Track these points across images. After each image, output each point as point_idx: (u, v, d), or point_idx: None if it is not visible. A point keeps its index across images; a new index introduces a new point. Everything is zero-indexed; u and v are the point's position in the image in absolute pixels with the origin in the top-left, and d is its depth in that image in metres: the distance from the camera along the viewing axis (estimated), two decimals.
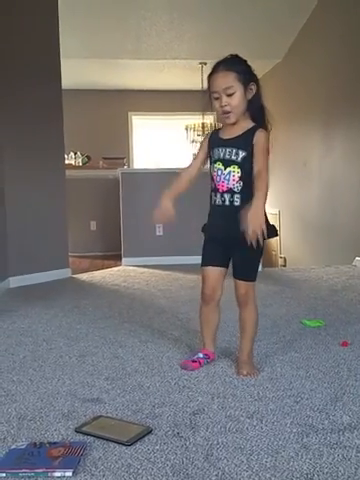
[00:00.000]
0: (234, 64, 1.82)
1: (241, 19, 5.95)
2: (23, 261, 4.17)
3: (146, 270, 4.85)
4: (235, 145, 1.85)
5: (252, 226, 1.69)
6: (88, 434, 1.44)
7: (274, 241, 7.34)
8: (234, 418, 1.53)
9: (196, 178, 1.99)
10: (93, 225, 6.53)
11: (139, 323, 2.76)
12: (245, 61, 1.84)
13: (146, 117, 8.14)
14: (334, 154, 5.54)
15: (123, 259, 5.32)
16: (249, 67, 1.85)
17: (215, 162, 1.89)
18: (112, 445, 1.37)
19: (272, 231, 1.85)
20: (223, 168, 1.86)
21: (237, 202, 1.84)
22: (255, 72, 1.87)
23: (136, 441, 1.38)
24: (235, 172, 1.84)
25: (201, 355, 2.03)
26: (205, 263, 1.97)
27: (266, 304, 3.21)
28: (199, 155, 2.00)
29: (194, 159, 2.03)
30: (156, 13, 5.84)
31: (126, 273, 4.74)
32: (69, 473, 1.22)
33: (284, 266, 6.81)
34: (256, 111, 1.89)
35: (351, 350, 2.19)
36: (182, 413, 1.58)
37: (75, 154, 7.01)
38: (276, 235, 1.89)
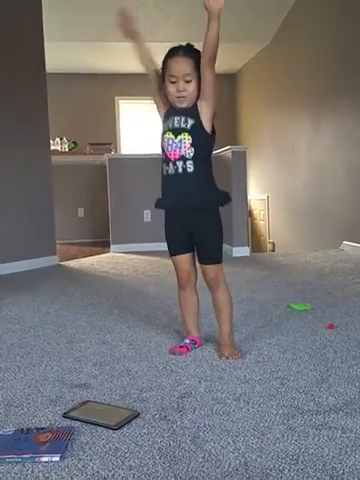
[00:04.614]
0: (193, 52, 1.85)
1: (227, 1, 5.87)
2: (10, 249, 4.14)
3: (134, 256, 4.85)
4: (183, 113, 1.88)
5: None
6: (76, 419, 1.44)
7: (263, 226, 7.37)
8: (221, 401, 1.54)
9: (145, 57, 1.94)
10: (81, 212, 6.50)
11: (127, 309, 2.76)
12: (201, 52, 1.85)
13: (133, 101, 8.05)
14: (322, 138, 5.54)
15: (111, 246, 5.32)
16: None
17: (165, 132, 1.91)
18: (100, 429, 1.38)
19: (226, 197, 1.95)
20: (174, 137, 1.88)
21: (190, 168, 1.86)
22: None
23: (123, 425, 1.39)
24: (186, 139, 1.86)
25: (188, 341, 2.04)
26: (172, 253, 2.03)
27: (254, 288, 3.23)
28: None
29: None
30: None
31: (114, 260, 4.74)
32: (56, 458, 1.23)
33: (273, 251, 6.85)
34: None
35: (337, 333, 2.21)
36: (169, 397, 1.58)
37: (61, 140, 6.94)
38: (230, 200, 1.96)
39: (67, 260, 4.77)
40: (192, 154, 1.86)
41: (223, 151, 4.77)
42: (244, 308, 2.67)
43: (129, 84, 7.75)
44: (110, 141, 7.30)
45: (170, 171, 1.90)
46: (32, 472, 1.18)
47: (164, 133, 1.92)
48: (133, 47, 1.95)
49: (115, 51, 6.82)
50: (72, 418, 1.45)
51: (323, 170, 5.51)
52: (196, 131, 1.86)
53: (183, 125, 1.87)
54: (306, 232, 6.03)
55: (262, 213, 7.40)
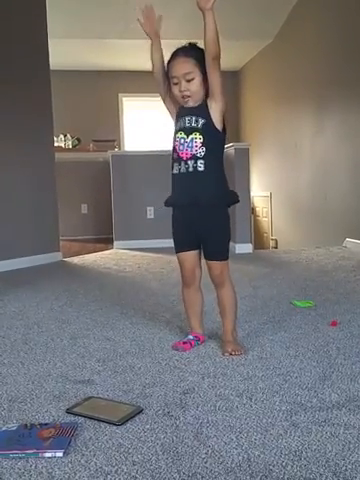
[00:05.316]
0: (193, 51, 1.86)
1: None
2: (13, 245, 4.15)
3: (137, 253, 4.85)
4: (194, 113, 1.89)
5: None
6: (79, 415, 1.44)
7: (265, 223, 7.37)
8: (224, 397, 1.54)
9: (158, 59, 1.93)
10: (84, 208, 6.51)
11: (130, 305, 2.76)
12: (203, 50, 1.84)
13: (137, 99, 8.04)
14: (326, 136, 5.52)
15: (114, 242, 5.33)
16: None
17: (177, 132, 1.93)
18: (103, 425, 1.38)
19: (235, 197, 1.97)
20: (185, 136, 1.89)
21: (201, 167, 1.87)
22: None
23: (127, 421, 1.39)
24: (197, 139, 1.87)
25: (191, 337, 2.05)
26: (178, 250, 2.03)
27: (257, 285, 3.23)
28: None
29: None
30: None
31: (117, 256, 4.75)
32: (60, 454, 1.23)
33: (275, 248, 6.84)
34: None
35: (340, 329, 2.21)
36: (172, 393, 1.59)
37: (65, 136, 6.94)
38: (238, 201, 1.97)
39: (70, 256, 4.78)
40: (203, 153, 1.86)
41: (226, 148, 4.76)
42: (247, 305, 2.67)
43: (132, 81, 7.75)
44: (114, 138, 7.30)
45: (181, 170, 1.90)
46: (36, 468, 1.18)
47: (176, 132, 1.93)
48: (151, 46, 1.95)
49: (118, 48, 6.83)
50: (75, 414, 1.45)
51: (326, 167, 5.50)
52: (207, 130, 1.86)
53: (194, 124, 1.87)
54: (309, 229, 6.02)
55: (265, 210, 7.39)
